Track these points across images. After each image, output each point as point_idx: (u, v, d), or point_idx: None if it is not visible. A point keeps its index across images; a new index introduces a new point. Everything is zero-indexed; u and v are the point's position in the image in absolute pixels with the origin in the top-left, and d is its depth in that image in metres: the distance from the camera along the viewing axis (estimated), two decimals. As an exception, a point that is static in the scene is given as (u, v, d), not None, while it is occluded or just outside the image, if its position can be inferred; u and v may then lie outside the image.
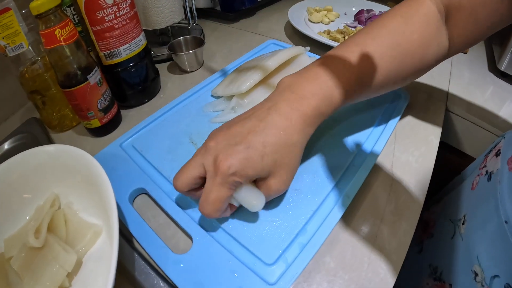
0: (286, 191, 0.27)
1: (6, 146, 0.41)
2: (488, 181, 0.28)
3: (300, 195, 0.28)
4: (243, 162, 0.21)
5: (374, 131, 0.33)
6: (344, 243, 0.25)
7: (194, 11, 0.49)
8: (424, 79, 0.45)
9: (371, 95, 0.28)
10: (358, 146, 0.32)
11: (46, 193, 0.30)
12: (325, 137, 0.33)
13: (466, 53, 0.56)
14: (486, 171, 0.29)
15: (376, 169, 0.31)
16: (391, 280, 0.23)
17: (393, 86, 0.29)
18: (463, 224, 0.31)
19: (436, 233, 0.37)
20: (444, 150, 0.45)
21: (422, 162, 0.32)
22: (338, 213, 0.26)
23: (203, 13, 0.61)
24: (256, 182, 0.24)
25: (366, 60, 0.25)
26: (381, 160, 0.32)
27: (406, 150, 0.33)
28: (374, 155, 0.31)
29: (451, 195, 0.38)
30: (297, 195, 0.28)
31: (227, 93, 0.35)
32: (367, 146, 0.31)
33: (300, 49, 0.39)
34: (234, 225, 0.26)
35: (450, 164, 0.49)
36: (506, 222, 0.24)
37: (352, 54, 0.25)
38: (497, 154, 0.29)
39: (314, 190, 0.28)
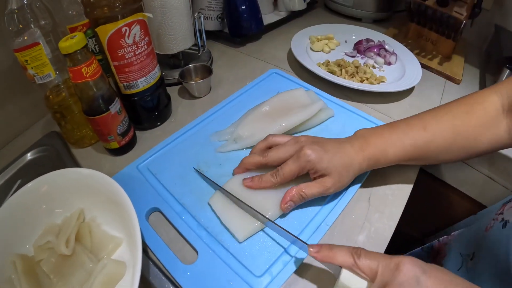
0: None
1: (29, 156, 0.50)
2: (502, 228, 0.34)
3: (286, 220, 0.36)
4: (318, 157, 0.33)
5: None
6: (320, 264, 0.33)
7: (204, 38, 0.57)
8: (412, 113, 0.52)
9: (424, 162, 0.38)
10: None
11: (73, 207, 0.38)
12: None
13: (459, 83, 0.63)
14: (502, 219, 0.35)
15: (354, 201, 0.39)
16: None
17: (443, 161, 0.37)
18: (471, 259, 0.38)
19: (445, 263, 0.44)
20: (425, 177, 0.53)
21: (397, 195, 0.40)
22: (317, 237, 0.34)
23: (212, 35, 0.70)
24: (315, 179, 0.35)
25: (423, 135, 0.35)
26: (359, 193, 0.39)
27: (384, 184, 0.41)
28: (352, 190, 0.39)
29: (463, 231, 0.44)
30: (284, 221, 0.36)
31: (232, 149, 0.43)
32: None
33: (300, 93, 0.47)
34: (231, 243, 0.34)
35: (431, 191, 0.57)
36: None
37: (414, 127, 0.36)
38: None
39: (298, 218, 0.36)
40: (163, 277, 0.32)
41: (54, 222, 0.37)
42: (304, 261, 0.33)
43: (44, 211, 0.37)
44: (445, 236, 0.48)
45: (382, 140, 0.35)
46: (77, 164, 0.46)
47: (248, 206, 0.34)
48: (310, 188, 0.34)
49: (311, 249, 0.28)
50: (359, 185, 0.39)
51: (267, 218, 0.33)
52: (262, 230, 0.35)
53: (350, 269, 0.26)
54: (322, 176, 0.35)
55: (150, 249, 0.34)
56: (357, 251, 0.26)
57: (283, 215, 0.36)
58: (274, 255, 0.33)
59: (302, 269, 0.33)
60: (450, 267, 0.43)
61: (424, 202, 0.61)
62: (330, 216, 0.36)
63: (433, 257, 0.48)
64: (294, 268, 0.32)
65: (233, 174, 0.40)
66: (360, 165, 0.35)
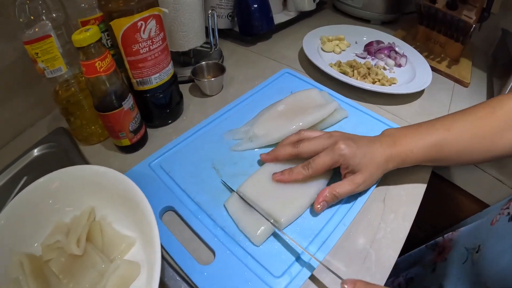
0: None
1: (35, 152, 0.48)
2: (508, 221, 0.35)
3: (304, 221, 0.35)
4: (351, 153, 0.34)
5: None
6: (338, 263, 0.33)
7: (217, 36, 0.57)
8: (423, 115, 0.53)
9: (446, 164, 0.38)
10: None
11: (82, 205, 0.36)
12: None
13: (467, 86, 0.63)
14: (508, 213, 0.36)
15: (369, 201, 0.38)
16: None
17: (464, 162, 0.38)
18: (477, 252, 0.39)
19: (450, 257, 0.45)
20: (436, 179, 0.53)
21: (411, 195, 0.39)
22: (334, 238, 0.33)
23: (223, 33, 0.69)
24: (345, 176, 0.36)
25: (446, 135, 0.36)
26: (374, 193, 0.39)
27: (398, 185, 0.40)
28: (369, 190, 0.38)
29: (468, 227, 0.45)
30: (302, 221, 0.35)
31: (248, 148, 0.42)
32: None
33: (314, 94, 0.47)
34: (249, 243, 0.33)
35: (440, 191, 0.58)
36: None
37: (438, 128, 0.36)
38: None
39: (316, 218, 0.35)
40: (178, 278, 0.31)
41: (63, 221, 0.36)
42: (324, 260, 0.32)
43: (53, 208, 0.36)
44: (450, 233, 0.48)
45: (408, 140, 0.36)
46: (85, 161, 0.45)
47: (265, 217, 0.34)
48: (342, 187, 0.35)
49: (345, 286, 0.28)
50: (375, 185, 0.39)
51: (282, 232, 0.33)
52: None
53: None
54: (352, 172, 0.35)
55: (164, 249, 0.33)
56: None
57: (305, 215, 0.36)
58: (293, 255, 0.32)
59: (322, 269, 0.32)
60: (455, 261, 0.43)
61: (431, 203, 0.61)
62: (348, 216, 0.36)
63: (439, 253, 0.49)
64: (314, 268, 0.31)
65: (262, 160, 0.40)
66: (387, 164, 0.36)
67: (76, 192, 0.36)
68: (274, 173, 0.37)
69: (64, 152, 0.47)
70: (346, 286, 0.28)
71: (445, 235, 0.49)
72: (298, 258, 0.32)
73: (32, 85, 0.49)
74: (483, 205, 0.55)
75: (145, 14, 0.38)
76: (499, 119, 0.35)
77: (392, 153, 0.35)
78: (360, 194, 0.38)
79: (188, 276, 0.31)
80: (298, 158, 0.38)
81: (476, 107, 0.37)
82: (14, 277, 0.30)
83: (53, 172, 0.36)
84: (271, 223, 0.33)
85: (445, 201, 0.62)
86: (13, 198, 0.34)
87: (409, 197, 0.40)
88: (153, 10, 0.39)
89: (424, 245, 0.54)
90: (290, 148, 0.37)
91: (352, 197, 0.37)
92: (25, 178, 0.46)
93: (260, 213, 0.34)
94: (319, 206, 0.35)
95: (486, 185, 0.53)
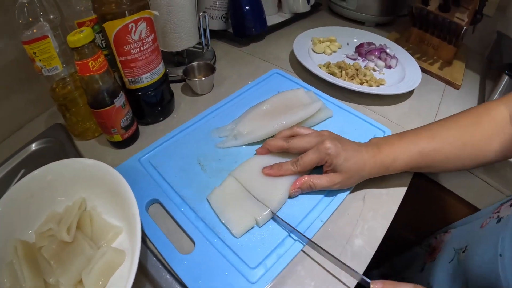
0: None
1: (33, 147, 0.51)
2: (496, 223, 0.36)
3: (282, 215, 0.37)
4: (336, 152, 0.36)
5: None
6: (314, 257, 0.34)
7: (208, 37, 0.59)
8: (410, 116, 0.54)
9: (432, 171, 0.39)
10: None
11: (75, 196, 0.39)
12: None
13: (458, 88, 0.64)
14: (498, 216, 0.37)
15: (349, 199, 0.40)
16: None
17: (451, 170, 0.38)
18: (463, 252, 0.40)
19: (439, 257, 0.46)
20: (420, 179, 0.54)
21: (392, 195, 0.41)
22: (310, 233, 0.35)
23: (217, 34, 0.71)
24: (326, 172, 0.38)
25: (431, 143, 0.37)
26: (354, 191, 0.40)
27: (379, 184, 0.42)
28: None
29: (459, 229, 0.46)
30: (280, 214, 0.37)
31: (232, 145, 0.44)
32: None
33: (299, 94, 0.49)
34: (228, 235, 0.35)
35: (425, 191, 0.58)
36: (500, 255, 0.31)
37: (422, 136, 0.37)
38: None
39: (293, 213, 0.37)
40: (160, 266, 0.33)
41: (56, 211, 0.38)
42: (299, 254, 0.34)
43: (48, 199, 0.38)
44: (442, 233, 0.49)
45: (392, 149, 0.37)
46: (80, 156, 0.47)
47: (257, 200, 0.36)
48: (320, 180, 0.37)
49: (374, 286, 0.29)
50: (352, 187, 0.40)
51: (279, 217, 0.36)
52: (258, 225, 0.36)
53: None
54: (333, 171, 0.37)
55: (149, 239, 0.35)
56: None
57: (283, 209, 0.37)
58: (269, 247, 0.34)
59: (297, 262, 0.34)
60: (442, 261, 0.44)
61: (420, 205, 0.62)
62: (325, 212, 0.37)
63: (429, 253, 0.50)
64: (288, 261, 0.33)
65: (256, 154, 0.42)
66: (370, 171, 0.37)
67: (68, 183, 0.38)
68: (264, 167, 0.39)
69: (60, 146, 0.49)
70: (376, 286, 0.29)
71: (437, 236, 0.50)
72: (273, 251, 0.34)
73: (31, 82, 0.51)
74: (472, 208, 0.56)
75: (136, 16, 0.40)
76: (486, 127, 0.35)
77: (376, 162, 0.37)
78: (339, 191, 0.39)
79: (169, 264, 0.33)
80: (288, 152, 0.40)
81: (462, 114, 0.38)
82: (8, 261, 0.33)
83: (47, 165, 0.38)
84: (266, 206, 0.36)
85: (434, 203, 0.62)
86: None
87: (390, 197, 0.41)
88: (143, 13, 0.41)
89: (418, 245, 0.55)
90: (281, 142, 0.39)
91: (331, 193, 0.39)
92: (22, 171, 0.49)
93: (256, 198, 0.36)
94: (293, 191, 0.37)
95: (474, 187, 0.53)
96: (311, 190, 0.38)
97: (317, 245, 0.33)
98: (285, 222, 0.35)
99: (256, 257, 0.33)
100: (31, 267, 0.33)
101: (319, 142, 0.37)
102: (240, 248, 0.34)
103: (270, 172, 0.39)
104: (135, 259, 0.29)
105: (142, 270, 0.33)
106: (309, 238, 0.34)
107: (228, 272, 0.32)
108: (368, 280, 0.29)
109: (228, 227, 0.35)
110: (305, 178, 0.37)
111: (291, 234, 0.35)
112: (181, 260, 0.33)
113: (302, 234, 0.34)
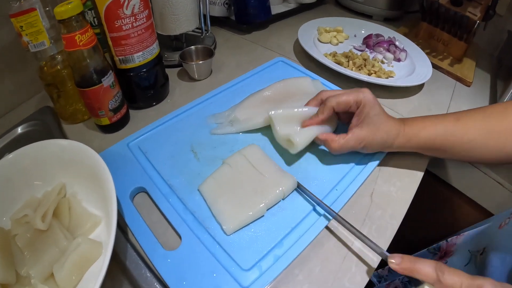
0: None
1: (19, 130, 0.46)
2: None
3: (282, 211, 0.32)
4: (374, 102, 0.34)
5: (354, 168, 0.37)
6: (315, 260, 0.29)
7: (208, 21, 0.54)
8: (420, 111, 0.49)
9: (458, 157, 0.36)
10: (342, 176, 0.36)
11: (54, 181, 0.34)
12: (317, 163, 0.37)
13: (469, 86, 0.59)
14: None
15: (355, 196, 0.34)
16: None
17: (478, 158, 0.35)
18: (481, 254, 0.36)
19: (451, 261, 0.43)
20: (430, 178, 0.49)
21: (402, 194, 0.36)
22: (313, 233, 0.30)
23: (218, 21, 0.66)
24: (351, 128, 0.35)
25: (455, 124, 0.34)
26: (362, 188, 0.35)
27: (388, 180, 0.37)
28: (355, 184, 0.35)
29: (474, 231, 0.43)
30: (279, 211, 0.32)
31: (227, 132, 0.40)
32: (349, 179, 0.35)
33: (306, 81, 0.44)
34: (219, 231, 0.30)
35: (437, 193, 0.53)
36: None
37: (448, 117, 0.35)
38: None
39: (296, 209, 0.32)
40: (140, 262, 0.28)
41: (35, 196, 0.34)
42: (298, 257, 0.29)
43: (25, 183, 0.34)
44: (454, 236, 0.45)
45: (417, 122, 0.36)
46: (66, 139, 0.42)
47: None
48: (345, 136, 0.34)
49: (392, 260, 0.26)
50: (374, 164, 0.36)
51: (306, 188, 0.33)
52: (253, 221, 0.31)
53: (432, 284, 0.25)
54: (361, 123, 0.34)
55: (130, 231, 0.30)
56: (441, 267, 0.25)
57: (283, 207, 0.32)
58: (266, 248, 0.29)
59: (295, 265, 0.29)
60: (455, 264, 0.41)
61: (429, 208, 0.58)
62: (336, 204, 0.32)
63: (440, 257, 0.46)
64: (287, 264, 0.28)
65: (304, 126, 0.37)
66: (394, 138, 0.35)
67: (46, 167, 0.34)
68: (304, 120, 0.36)
69: (47, 130, 0.45)
70: (393, 261, 0.26)
71: (449, 239, 0.46)
72: (270, 251, 0.28)
73: (23, 66, 0.47)
74: (483, 211, 0.52)
75: (128, -13, 0.35)
76: (509, 119, 0.32)
77: (400, 130, 0.35)
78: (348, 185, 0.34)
79: (150, 261, 0.28)
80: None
81: (488, 106, 0.36)
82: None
83: (23, 147, 0.34)
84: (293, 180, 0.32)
85: (444, 206, 0.58)
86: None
87: (399, 195, 0.36)
88: (136, -16, 0.36)
89: (426, 249, 0.51)
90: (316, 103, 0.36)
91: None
92: (6, 155, 0.44)
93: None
94: (319, 141, 0.36)
95: (485, 188, 0.49)
96: (336, 146, 0.34)
97: (343, 219, 0.30)
98: (311, 193, 0.32)
99: (250, 257, 0.28)
100: (5, 256, 0.28)
101: (358, 90, 0.35)
102: (232, 246, 0.29)
103: (310, 122, 0.36)
104: (108, 252, 0.24)
105: (120, 266, 0.28)
106: (336, 212, 0.31)
107: (217, 273, 0.27)
108: (387, 254, 0.27)
109: (219, 220, 0.30)
110: (335, 135, 0.35)
111: (291, 234, 0.30)
112: (164, 256, 0.28)
113: (329, 208, 0.31)
